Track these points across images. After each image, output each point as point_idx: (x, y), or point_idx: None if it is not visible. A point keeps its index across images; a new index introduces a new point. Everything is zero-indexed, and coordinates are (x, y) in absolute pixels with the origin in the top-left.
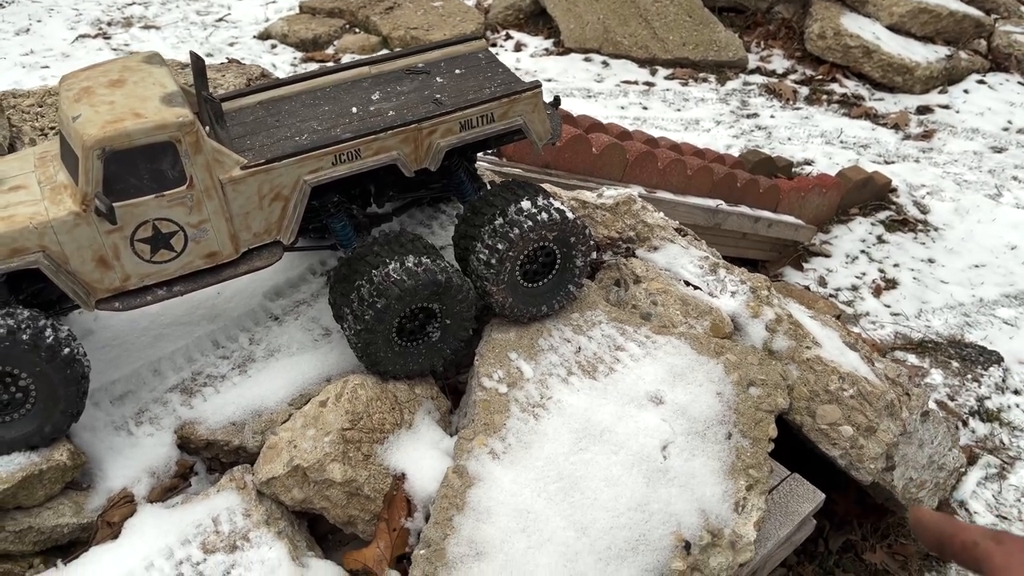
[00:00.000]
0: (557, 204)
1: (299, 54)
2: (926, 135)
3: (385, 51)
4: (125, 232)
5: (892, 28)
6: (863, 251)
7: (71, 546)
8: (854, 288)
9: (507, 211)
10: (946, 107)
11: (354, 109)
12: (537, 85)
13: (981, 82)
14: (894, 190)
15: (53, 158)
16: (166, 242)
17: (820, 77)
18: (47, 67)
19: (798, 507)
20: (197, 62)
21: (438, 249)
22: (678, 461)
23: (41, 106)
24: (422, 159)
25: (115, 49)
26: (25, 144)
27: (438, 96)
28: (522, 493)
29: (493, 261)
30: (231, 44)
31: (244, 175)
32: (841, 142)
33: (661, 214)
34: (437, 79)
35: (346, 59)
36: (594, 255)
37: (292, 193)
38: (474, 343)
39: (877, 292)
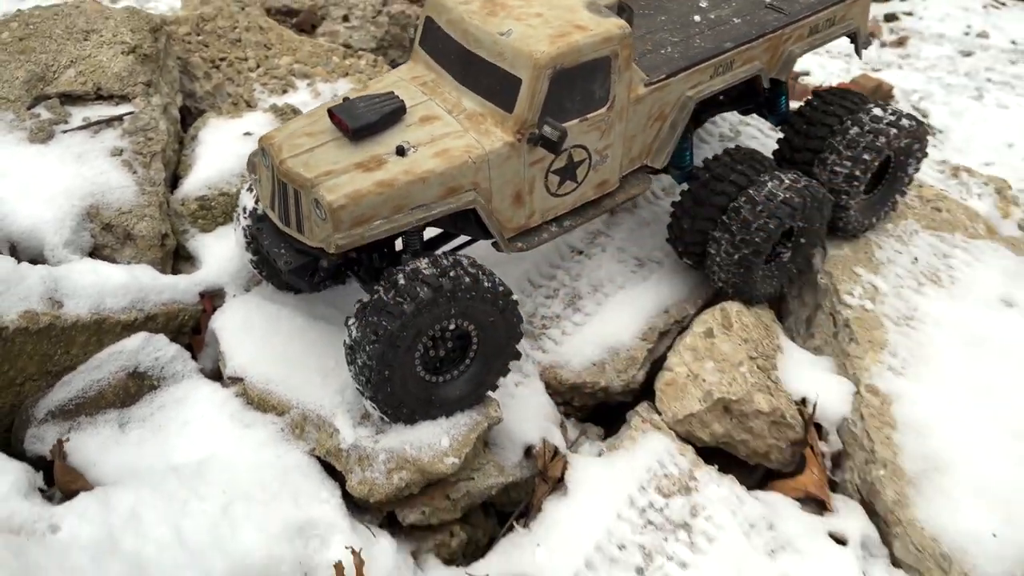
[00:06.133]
0: (906, 110)
1: None
2: (900, 42)
3: None
4: (545, 163)
5: None
6: None
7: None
8: None
9: (860, 119)
10: (909, 14)
11: (696, 17)
12: None
13: None
14: (892, 97)
15: (437, 83)
16: (572, 172)
17: None
18: None
19: None
20: None
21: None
22: None
23: (199, 33)
24: (773, 68)
25: None
26: (200, 79)
27: (769, 1)
28: (944, 405)
29: (857, 172)
30: None
31: (647, 92)
32: (827, 52)
33: None
34: None
35: None
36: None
37: (671, 111)
38: None
39: None
